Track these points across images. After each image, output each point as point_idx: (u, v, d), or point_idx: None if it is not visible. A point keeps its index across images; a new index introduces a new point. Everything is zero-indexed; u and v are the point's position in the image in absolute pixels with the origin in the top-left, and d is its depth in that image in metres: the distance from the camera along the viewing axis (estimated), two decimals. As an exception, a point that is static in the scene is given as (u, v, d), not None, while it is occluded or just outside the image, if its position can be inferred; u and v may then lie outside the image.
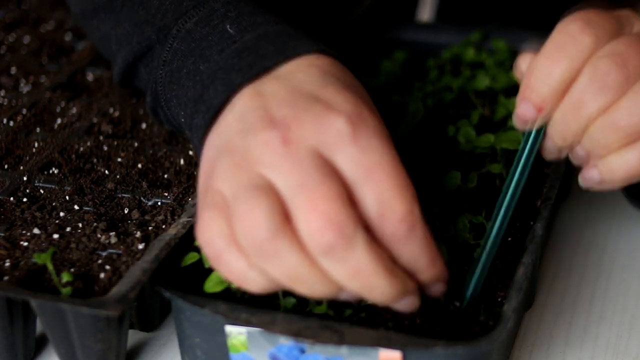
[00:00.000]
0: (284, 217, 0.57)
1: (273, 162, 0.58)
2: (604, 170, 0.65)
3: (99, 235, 0.70)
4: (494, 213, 0.67)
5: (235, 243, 0.57)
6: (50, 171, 0.78)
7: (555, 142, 0.66)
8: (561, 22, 0.66)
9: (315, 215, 0.56)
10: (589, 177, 0.66)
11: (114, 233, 0.70)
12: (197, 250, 0.66)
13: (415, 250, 0.59)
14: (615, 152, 0.64)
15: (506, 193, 0.67)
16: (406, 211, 0.57)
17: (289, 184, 0.57)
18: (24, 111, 0.88)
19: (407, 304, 0.61)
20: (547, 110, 0.65)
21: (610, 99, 0.63)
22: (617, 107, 0.62)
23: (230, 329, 0.63)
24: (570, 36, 0.64)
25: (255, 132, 0.59)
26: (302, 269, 0.57)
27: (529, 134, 0.67)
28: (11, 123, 0.86)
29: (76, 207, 0.73)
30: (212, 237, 0.58)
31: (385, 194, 0.57)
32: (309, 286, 0.58)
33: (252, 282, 0.58)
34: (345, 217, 0.56)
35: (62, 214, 0.73)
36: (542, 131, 0.67)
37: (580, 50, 0.64)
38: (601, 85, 0.63)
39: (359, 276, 0.57)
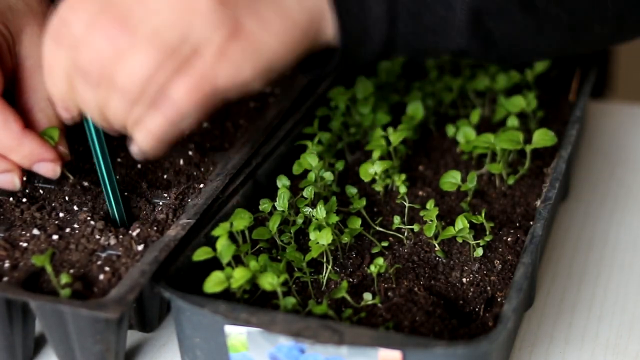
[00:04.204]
0: None
1: None
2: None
3: (98, 236, 0.69)
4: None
5: None
6: (50, 172, 0.78)
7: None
8: None
9: None
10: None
11: (113, 234, 0.69)
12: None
13: None
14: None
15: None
16: None
17: None
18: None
19: (3, 182, 0.70)
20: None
21: None
22: None
23: (230, 329, 0.62)
24: None
25: None
26: None
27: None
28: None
29: (75, 207, 0.73)
30: None
31: None
32: None
33: None
34: None
35: (61, 214, 0.73)
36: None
37: None
38: None
39: None
